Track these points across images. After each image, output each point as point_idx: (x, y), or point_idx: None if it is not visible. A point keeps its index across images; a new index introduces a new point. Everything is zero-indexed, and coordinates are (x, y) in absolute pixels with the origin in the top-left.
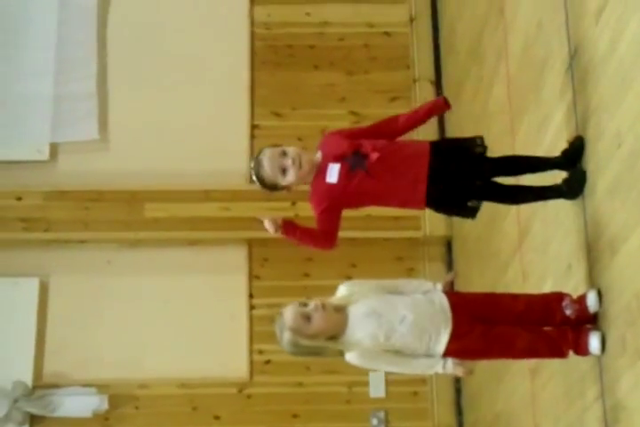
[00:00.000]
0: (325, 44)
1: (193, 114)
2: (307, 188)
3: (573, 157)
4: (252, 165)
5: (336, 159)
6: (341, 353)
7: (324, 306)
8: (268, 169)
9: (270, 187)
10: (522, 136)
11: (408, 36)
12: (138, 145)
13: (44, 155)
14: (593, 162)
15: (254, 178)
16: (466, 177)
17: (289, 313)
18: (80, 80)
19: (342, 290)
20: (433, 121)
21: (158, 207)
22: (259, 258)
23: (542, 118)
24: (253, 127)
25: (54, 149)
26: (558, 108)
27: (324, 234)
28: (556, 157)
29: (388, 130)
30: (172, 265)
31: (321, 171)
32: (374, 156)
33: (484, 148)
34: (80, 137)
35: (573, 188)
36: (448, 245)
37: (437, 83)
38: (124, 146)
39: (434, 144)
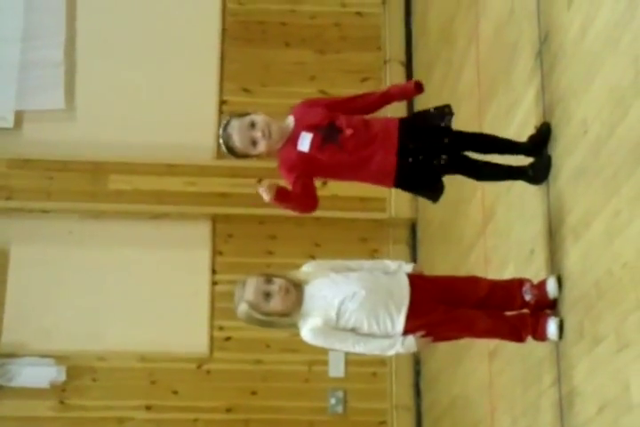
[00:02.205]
0: (297, 21)
1: (162, 87)
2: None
3: (540, 143)
4: (222, 135)
5: (309, 129)
6: (294, 326)
7: (287, 289)
8: (237, 142)
9: (241, 156)
10: (489, 120)
11: (380, 17)
12: (105, 116)
13: (9, 122)
14: (559, 148)
15: (224, 148)
16: (433, 155)
17: (251, 287)
18: (47, 48)
19: (305, 269)
20: (402, 103)
21: (123, 179)
22: (223, 234)
23: (510, 103)
24: (222, 103)
25: (19, 116)
26: (527, 94)
27: (305, 198)
28: (522, 143)
29: (360, 106)
30: (135, 238)
31: (292, 138)
32: (348, 132)
33: (452, 115)
34: (45, 106)
35: (538, 173)
36: (413, 227)
37: (408, 65)
38: (90, 116)
39: (403, 121)
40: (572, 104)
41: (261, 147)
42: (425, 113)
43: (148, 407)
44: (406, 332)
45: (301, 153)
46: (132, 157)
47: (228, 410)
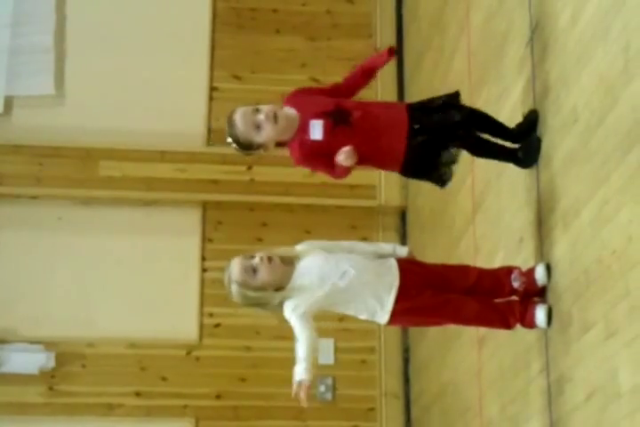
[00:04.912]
0: (288, 8)
1: (152, 73)
2: (276, 153)
3: (526, 130)
4: (227, 124)
5: (317, 116)
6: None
7: (269, 258)
8: (240, 126)
9: (246, 146)
10: (480, 108)
11: (371, 5)
12: (95, 102)
13: None
14: (549, 136)
15: (229, 139)
16: (444, 135)
17: (235, 267)
18: (37, 34)
19: (298, 247)
20: (392, 91)
21: (113, 166)
22: (213, 221)
23: (501, 91)
24: (212, 89)
25: (9, 102)
26: (517, 82)
27: (334, 168)
28: (511, 129)
29: (347, 88)
30: (125, 225)
31: (301, 128)
32: (358, 112)
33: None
34: (35, 91)
35: (528, 156)
36: (403, 215)
37: (399, 52)
38: (80, 102)
39: (411, 105)
40: (563, 92)
41: (266, 132)
42: (434, 100)
43: (138, 394)
44: (394, 313)
45: (316, 142)
46: (122, 143)
47: (218, 397)
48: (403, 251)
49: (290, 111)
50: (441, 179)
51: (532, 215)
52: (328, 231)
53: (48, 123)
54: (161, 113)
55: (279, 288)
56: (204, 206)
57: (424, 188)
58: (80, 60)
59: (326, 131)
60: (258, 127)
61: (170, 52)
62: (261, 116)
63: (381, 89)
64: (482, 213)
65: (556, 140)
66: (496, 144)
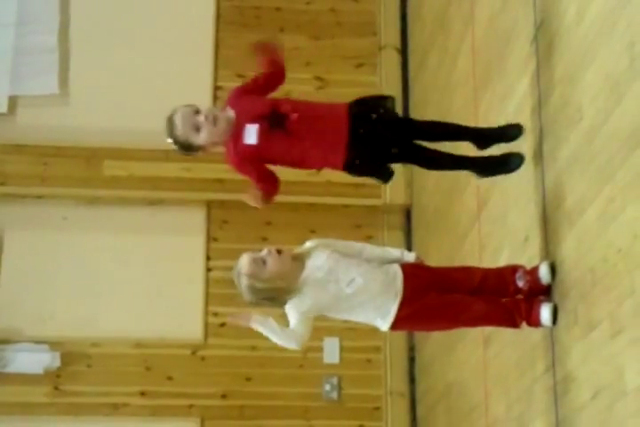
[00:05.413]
0: (292, 6)
1: (156, 73)
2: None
3: (496, 137)
4: (165, 125)
5: (253, 120)
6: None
7: (278, 250)
8: (180, 127)
9: (185, 147)
10: (485, 106)
11: (375, 3)
12: (99, 101)
13: (3, 107)
14: (554, 135)
15: (169, 139)
16: (384, 141)
17: (244, 260)
18: (41, 33)
19: (308, 244)
20: (397, 90)
21: (117, 165)
22: (217, 220)
23: (506, 90)
24: (216, 88)
25: (13, 101)
26: (522, 80)
27: (267, 184)
28: (481, 129)
29: (265, 83)
30: (130, 224)
31: (237, 131)
32: (294, 116)
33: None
34: (40, 91)
35: (496, 168)
36: (407, 213)
37: (403, 51)
38: (84, 102)
39: (351, 105)
40: (568, 90)
41: (205, 134)
42: (366, 100)
43: (143, 393)
44: (397, 319)
45: (250, 146)
46: (126, 142)
47: (223, 396)
48: (410, 256)
49: (230, 113)
50: (383, 177)
51: (537, 214)
52: (333, 230)
53: (52, 122)
54: (165, 112)
55: (289, 282)
56: (209, 206)
57: (429, 186)
58: (84, 60)
59: (261, 135)
60: (197, 129)
61: (174, 51)
62: (201, 118)
63: (386, 88)
64: (487, 212)
65: (561, 138)
66: (445, 154)
